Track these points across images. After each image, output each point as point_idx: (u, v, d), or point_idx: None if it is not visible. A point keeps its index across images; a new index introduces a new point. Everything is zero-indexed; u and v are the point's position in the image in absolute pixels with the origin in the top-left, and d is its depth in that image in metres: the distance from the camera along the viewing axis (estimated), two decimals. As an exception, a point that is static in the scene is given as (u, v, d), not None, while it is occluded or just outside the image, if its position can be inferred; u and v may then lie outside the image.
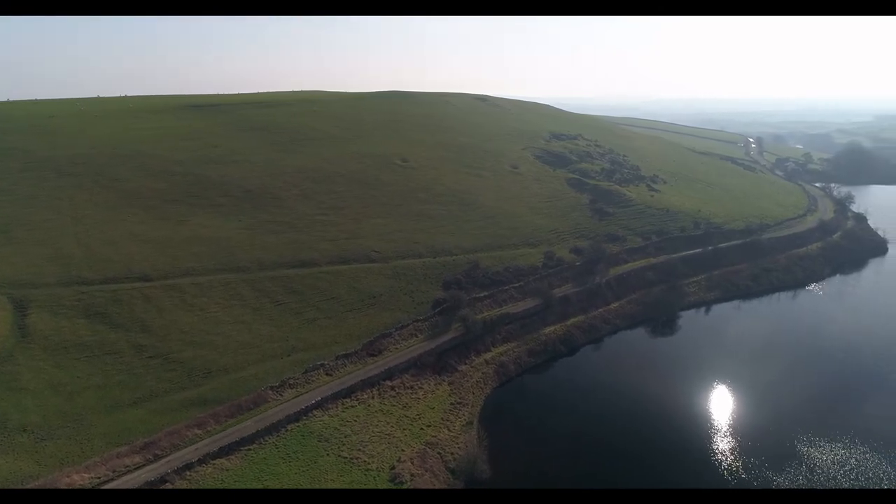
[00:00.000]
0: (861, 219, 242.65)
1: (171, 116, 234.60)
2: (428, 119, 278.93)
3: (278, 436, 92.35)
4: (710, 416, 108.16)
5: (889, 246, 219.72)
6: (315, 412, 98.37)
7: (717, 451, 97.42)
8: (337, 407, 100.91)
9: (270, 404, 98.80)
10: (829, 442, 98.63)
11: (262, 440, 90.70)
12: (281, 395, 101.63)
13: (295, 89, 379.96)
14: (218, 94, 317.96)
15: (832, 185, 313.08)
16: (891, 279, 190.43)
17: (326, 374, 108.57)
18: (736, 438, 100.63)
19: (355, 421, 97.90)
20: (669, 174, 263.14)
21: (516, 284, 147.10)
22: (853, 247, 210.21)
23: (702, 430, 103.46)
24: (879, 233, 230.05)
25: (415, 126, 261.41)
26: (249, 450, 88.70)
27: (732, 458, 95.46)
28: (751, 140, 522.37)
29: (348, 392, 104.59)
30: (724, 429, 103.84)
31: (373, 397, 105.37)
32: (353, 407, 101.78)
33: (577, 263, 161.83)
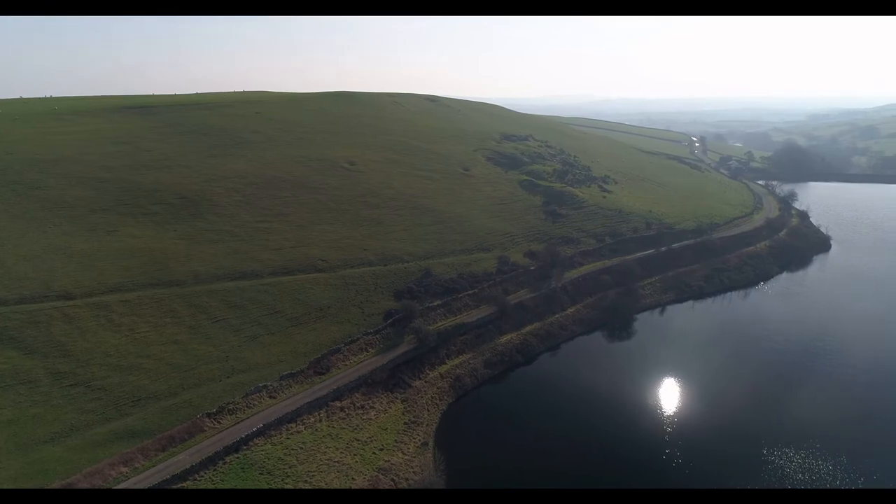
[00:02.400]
0: (804, 216, 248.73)
1: (100, 119, 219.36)
2: (376, 120, 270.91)
3: (215, 469, 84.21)
4: (675, 419, 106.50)
5: (832, 243, 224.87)
6: (257, 440, 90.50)
7: (682, 451, 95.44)
8: (281, 433, 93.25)
9: (207, 433, 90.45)
10: (780, 434, 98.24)
11: (196, 476, 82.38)
12: (219, 422, 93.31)
13: (234, 90, 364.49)
14: (152, 95, 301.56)
15: (774, 182, 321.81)
16: (835, 276, 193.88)
17: (269, 397, 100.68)
18: (696, 437, 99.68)
19: (301, 448, 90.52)
20: (620, 174, 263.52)
21: (470, 291, 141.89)
22: (799, 244, 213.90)
23: (667, 434, 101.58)
24: (822, 229, 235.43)
25: (362, 128, 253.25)
26: (182, 488, 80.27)
27: (696, 456, 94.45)
28: (694, 139, 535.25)
29: (294, 416, 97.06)
30: (689, 429, 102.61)
31: (320, 420, 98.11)
32: (298, 432, 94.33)
33: (532, 268, 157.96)
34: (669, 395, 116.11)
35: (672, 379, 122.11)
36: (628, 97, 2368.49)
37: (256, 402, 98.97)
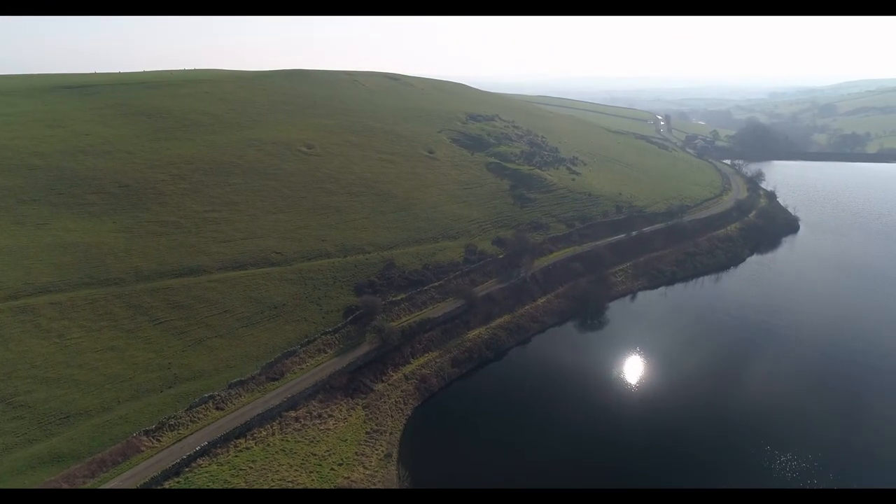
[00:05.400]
0: (772, 196, 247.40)
1: (31, 100, 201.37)
2: (334, 100, 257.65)
3: (152, 497, 75.01)
4: (650, 410, 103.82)
5: (800, 224, 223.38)
6: (200, 461, 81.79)
7: (655, 438, 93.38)
8: (228, 451, 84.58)
9: (144, 454, 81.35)
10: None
11: (129, 506, 73.07)
12: (158, 440, 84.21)
13: (182, 68, 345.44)
14: (91, 74, 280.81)
15: (739, 161, 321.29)
16: (806, 260, 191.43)
17: (217, 409, 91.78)
18: (669, 424, 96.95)
19: (251, 468, 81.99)
20: (588, 155, 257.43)
21: (436, 284, 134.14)
22: (768, 226, 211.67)
23: (644, 426, 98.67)
24: (790, 210, 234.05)
25: (319, 108, 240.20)
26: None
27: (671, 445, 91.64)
28: (660, 117, 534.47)
29: (243, 430, 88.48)
30: (663, 416, 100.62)
31: (273, 434, 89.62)
32: (248, 449, 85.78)
33: (501, 256, 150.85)
34: (645, 388, 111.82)
35: (647, 370, 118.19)
36: (591, 75, 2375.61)
37: (202, 415, 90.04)
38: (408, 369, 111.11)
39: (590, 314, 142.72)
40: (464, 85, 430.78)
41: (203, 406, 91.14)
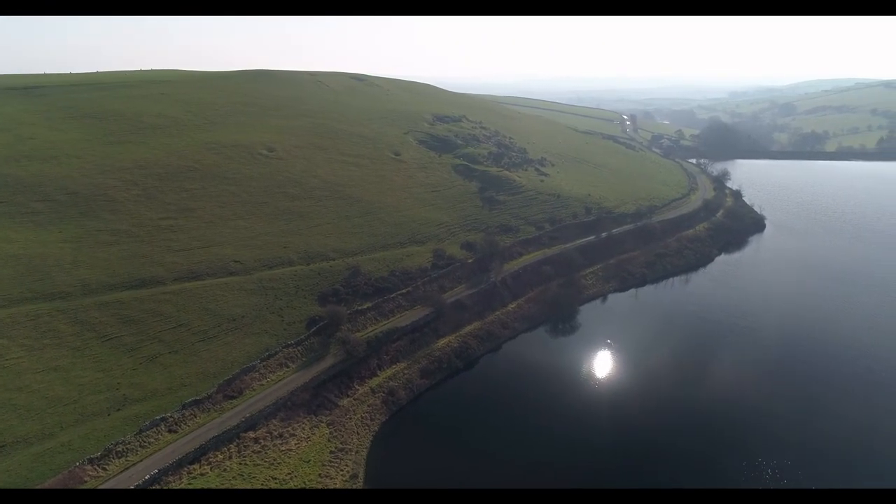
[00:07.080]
0: (738, 195, 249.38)
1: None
2: (297, 102, 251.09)
3: (96, 533, 69.06)
4: (624, 414, 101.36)
5: (766, 223, 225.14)
6: (149, 490, 75.63)
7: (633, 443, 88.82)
8: (181, 478, 78.89)
9: (88, 485, 75.09)
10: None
11: (69, 545, 67.04)
12: (104, 469, 78.16)
13: (137, 69, 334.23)
14: (38, 74, 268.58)
15: (705, 161, 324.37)
16: (772, 258, 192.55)
17: (169, 432, 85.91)
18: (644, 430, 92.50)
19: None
20: (556, 156, 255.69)
21: (403, 291, 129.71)
22: (735, 225, 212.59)
23: (619, 430, 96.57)
24: (755, 209, 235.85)
25: (282, 110, 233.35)
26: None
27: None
28: (625, 117, 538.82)
29: (198, 454, 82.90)
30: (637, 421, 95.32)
31: (230, 457, 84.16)
32: (202, 475, 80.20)
33: (470, 261, 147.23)
34: (617, 389, 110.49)
35: (619, 372, 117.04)
36: (558, 76, 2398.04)
37: (153, 440, 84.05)
38: (374, 382, 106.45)
39: (561, 318, 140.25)
40: (430, 85, 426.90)
41: (154, 429, 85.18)
